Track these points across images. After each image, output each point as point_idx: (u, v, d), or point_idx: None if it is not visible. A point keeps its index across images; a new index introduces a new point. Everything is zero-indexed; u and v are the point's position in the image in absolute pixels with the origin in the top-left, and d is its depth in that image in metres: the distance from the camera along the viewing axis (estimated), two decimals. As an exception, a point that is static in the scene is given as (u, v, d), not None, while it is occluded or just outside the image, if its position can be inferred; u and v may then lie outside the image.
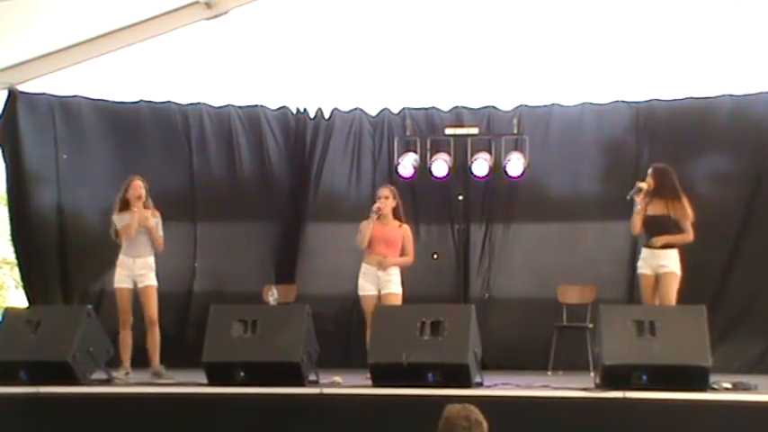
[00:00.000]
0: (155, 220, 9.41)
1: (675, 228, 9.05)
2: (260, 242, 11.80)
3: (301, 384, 8.11)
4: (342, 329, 11.29)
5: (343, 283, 11.62)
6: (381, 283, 9.22)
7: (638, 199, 9.06)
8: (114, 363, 9.20)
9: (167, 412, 7.85)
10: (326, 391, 8.03)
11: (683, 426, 7.31)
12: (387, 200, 9.30)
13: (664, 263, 8.99)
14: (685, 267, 9.25)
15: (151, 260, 9.38)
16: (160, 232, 9.40)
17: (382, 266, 9.21)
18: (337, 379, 8.60)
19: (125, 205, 9.38)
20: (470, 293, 11.38)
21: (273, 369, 8.09)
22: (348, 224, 11.76)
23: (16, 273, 13.25)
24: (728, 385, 7.88)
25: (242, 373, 8.08)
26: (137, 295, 9.35)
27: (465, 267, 11.47)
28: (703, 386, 7.60)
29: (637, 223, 9.10)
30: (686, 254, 9.35)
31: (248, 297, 10.52)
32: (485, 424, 4.47)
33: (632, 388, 7.52)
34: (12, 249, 12.19)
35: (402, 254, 9.33)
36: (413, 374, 7.84)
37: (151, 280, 9.35)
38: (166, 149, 11.88)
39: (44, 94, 11.70)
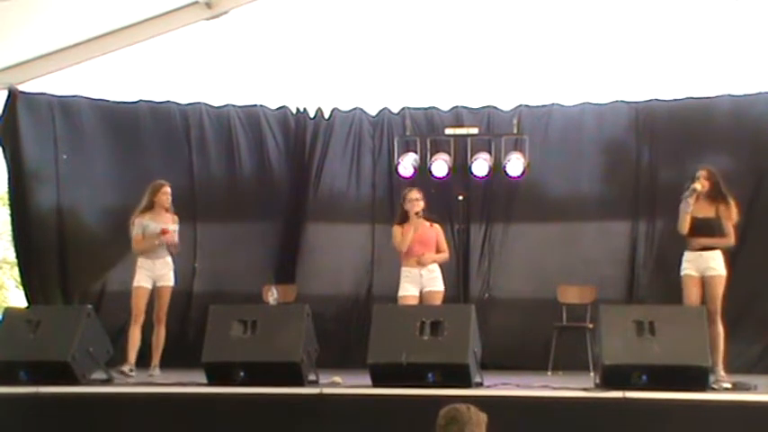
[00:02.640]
0: (173, 226, 9.73)
1: (720, 230, 9.01)
2: (260, 242, 11.79)
3: (301, 384, 8.11)
4: (342, 329, 11.29)
5: (342, 283, 11.67)
6: (424, 282, 9.34)
7: (691, 200, 8.99)
8: (118, 359, 9.29)
9: (167, 412, 7.85)
10: (326, 391, 8.03)
11: (682, 426, 7.31)
12: (418, 202, 9.44)
13: (712, 264, 8.92)
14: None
15: (170, 260, 9.70)
16: (175, 238, 9.70)
17: (422, 263, 9.34)
18: (337, 379, 8.60)
19: (150, 207, 9.70)
20: (470, 293, 11.37)
21: (273, 369, 8.09)
22: (348, 224, 11.83)
23: (16, 273, 13.26)
24: (728, 385, 7.88)
25: (242, 373, 8.08)
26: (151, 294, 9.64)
27: (465, 267, 11.48)
28: (703, 386, 7.60)
29: (686, 224, 9.02)
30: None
31: (248, 297, 10.53)
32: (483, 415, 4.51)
33: (632, 388, 7.52)
34: (12, 249, 12.18)
35: (438, 251, 9.48)
36: (412, 374, 7.84)
37: (170, 280, 9.67)
38: (166, 149, 11.88)
39: (44, 93, 11.71)
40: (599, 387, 7.78)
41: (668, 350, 7.70)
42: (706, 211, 9.02)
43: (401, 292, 9.38)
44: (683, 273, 9.11)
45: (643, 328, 7.84)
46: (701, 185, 8.98)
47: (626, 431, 7.43)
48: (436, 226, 9.54)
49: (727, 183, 10.85)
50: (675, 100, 11.36)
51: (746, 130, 11.08)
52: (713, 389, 7.73)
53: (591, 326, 10.03)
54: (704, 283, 8.94)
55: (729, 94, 11.23)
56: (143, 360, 9.74)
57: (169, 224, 9.74)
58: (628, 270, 11.18)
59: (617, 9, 11.33)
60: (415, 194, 9.50)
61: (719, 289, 8.90)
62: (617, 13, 11.33)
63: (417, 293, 9.33)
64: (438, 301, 9.31)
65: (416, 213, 9.39)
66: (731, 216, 9.01)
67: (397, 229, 9.50)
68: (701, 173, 9.08)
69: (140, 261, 9.69)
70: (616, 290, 11.04)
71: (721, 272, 8.93)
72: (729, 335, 10.31)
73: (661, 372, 7.59)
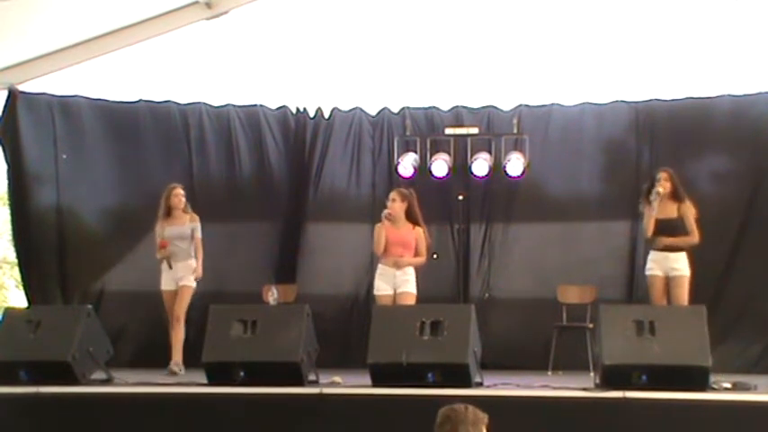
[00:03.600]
0: (191, 225, 9.94)
1: (683, 230, 9.15)
2: (260, 242, 11.79)
3: (301, 384, 8.10)
4: (342, 329, 11.29)
5: (342, 283, 11.67)
6: (397, 282, 9.32)
7: (656, 204, 9.12)
8: (118, 359, 9.36)
9: (167, 412, 7.85)
10: (326, 390, 8.02)
11: (682, 426, 7.30)
12: (394, 203, 9.42)
13: (676, 265, 9.12)
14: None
15: (192, 262, 9.89)
16: (198, 234, 9.93)
17: (397, 266, 9.32)
18: (337, 379, 8.60)
19: (168, 213, 9.92)
20: (470, 293, 11.37)
21: (273, 369, 8.08)
22: (348, 224, 11.82)
23: (16, 272, 13.26)
24: (728, 385, 7.88)
25: (242, 373, 8.07)
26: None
27: (465, 267, 11.47)
28: (703, 386, 7.60)
29: (651, 226, 9.16)
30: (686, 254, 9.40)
31: (248, 297, 10.52)
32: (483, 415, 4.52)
33: (632, 388, 7.51)
34: (12, 249, 12.18)
35: (416, 254, 9.44)
36: (412, 374, 7.84)
37: (189, 281, 9.87)
38: (166, 149, 11.88)
39: (44, 93, 11.71)
40: (599, 387, 7.77)
41: (668, 350, 7.69)
42: (668, 211, 9.23)
43: (376, 291, 9.42)
44: (648, 273, 9.32)
45: (643, 327, 7.84)
46: (663, 188, 9.13)
47: (626, 431, 7.43)
48: (418, 229, 9.46)
49: (727, 183, 10.98)
50: (675, 100, 11.36)
51: (746, 130, 11.09)
52: (713, 389, 7.72)
53: (591, 326, 10.03)
54: (669, 283, 9.07)
55: (729, 94, 11.23)
56: (143, 363, 9.79)
57: (186, 225, 9.90)
58: (628, 270, 11.18)
59: (617, 9, 11.32)
60: (391, 195, 9.54)
61: (684, 289, 9.11)
62: (617, 13, 11.33)
63: (392, 293, 9.33)
64: (410, 302, 9.27)
65: (385, 216, 9.38)
66: (691, 214, 9.22)
67: (376, 229, 9.51)
68: (662, 174, 9.34)
69: (164, 264, 9.86)
70: (616, 290, 11.04)
71: (685, 272, 9.14)
72: (729, 335, 10.39)
73: (661, 372, 7.58)
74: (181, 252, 9.85)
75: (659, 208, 9.21)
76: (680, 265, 9.19)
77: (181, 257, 9.85)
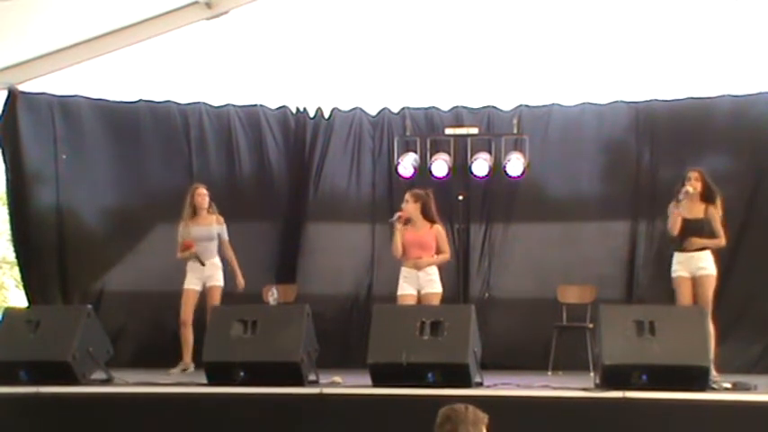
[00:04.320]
0: (219, 227, 10.00)
1: (709, 231, 9.09)
2: (260, 242, 11.78)
3: (301, 384, 8.10)
4: (342, 329, 11.29)
5: (343, 283, 11.67)
6: (421, 283, 9.33)
7: (685, 202, 9.05)
8: (118, 359, 9.35)
9: (167, 412, 7.84)
10: (326, 390, 8.02)
11: (682, 426, 7.30)
12: (406, 204, 9.42)
13: (702, 264, 9.03)
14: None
15: (218, 260, 9.95)
16: (226, 237, 10.00)
17: (418, 267, 9.32)
18: (337, 379, 8.60)
19: (193, 212, 9.94)
20: (470, 293, 11.37)
21: (273, 369, 8.08)
22: (348, 224, 11.83)
23: (16, 272, 13.26)
24: (728, 385, 7.88)
25: (242, 373, 8.07)
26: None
27: (465, 267, 11.47)
28: (703, 386, 7.60)
29: (677, 225, 9.08)
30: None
31: (248, 297, 10.51)
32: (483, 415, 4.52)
33: (632, 388, 7.50)
34: (12, 249, 12.18)
35: (437, 252, 9.42)
36: (412, 374, 7.83)
37: (219, 280, 9.93)
38: (166, 149, 11.88)
39: (44, 93, 11.70)
40: (599, 387, 7.76)
41: (668, 350, 7.69)
42: (696, 212, 9.14)
43: (400, 291, 9.40)
44: (674, 275, 9.20)
45: (643, 327, 7.83)
46: (693, 187, 9.05)
47: (626, 431, 7.43)
48: (437, 227, 9.46)
49: (727, 182, 10.96)
50: (676, 100, 11.36)
51: (746, 130, 11.09)
52: (713, 389, 7.72)
53: (591, 326, 10.04)
54: (695, 283, 9.02)
55: (729, 95, 11.24)
56: (144, 363, 9.79)
57: (213, 226, 9.94)
58: (628, 270, 11.18)
59: (617, 9, 11.32)
60: (405, 197, 9.52)
61: (711, 289, 9.03)
62: (617, 12, 11.33)
63: (415, 293, 9.35)
64: (435, 302, 9.29)
65: (398, 220, 9.37)
66: (719, 216, 9.13)
67: (395, 234, 9.49)
68: (693, 174, 9.19)
69: (189, 264, 9.87)
70: (616, 289, 11.04)
71: (712, 272, 9.05)
72: (729, 335, 10.38)
73: (661, 372, 7.58)
74: (207, 252, 9.89)
75: (686, 207, 9.10)
76: (706, 263, 9.07)
77: (207, 257, 9.88)
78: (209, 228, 9.94)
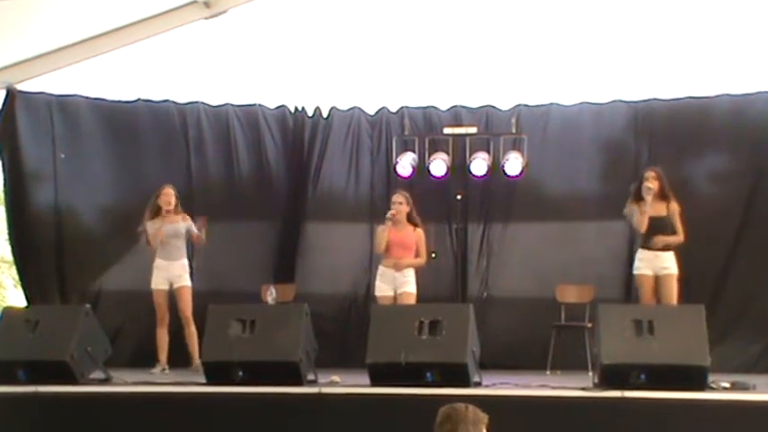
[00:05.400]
0: (184, 224, 9.98)
1: (672, 229, 9.22)
2: (258, 241, 11.79)
3: (300, 384, 8.10)
4: (340, 329, 11.29)
5: (341, 283, 11.67)
6: (397, 283, 9.57)
7: (650, 199, 9.18)
8: (117, 359, 9.39)
9: (166, 412, 7.85)
10: (325, 390, 8.03)
11: (681, 425, 7.31)
12: (401, 206, 9.68)
13: (666, 264, 9.19)
14: (683, 266, 9.33)
15: (185, 262, 10.00)
16: (193, 229, 9.96)
17: (397, 267, 9.57)
18: (336, 378, 8.61)
19: (157, 212, 9.93)
20: (469, 293, 11.36)
21: (272, 368, 8.09)
22: (346, 223, 11.83)
23: (14, 272, 13.24)
24: (727, 385, 7.88)
25: (241, 373, 8.07)
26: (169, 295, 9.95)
27: (463, 267, 11.47)
28: (702, 386, 7.60)
29: (645, 222, 9.22)
30: (685, 253, 9.41)
31: (247, 297, 10.52)
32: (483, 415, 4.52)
33: (631, 387, 7.52)
34: (10, 248, 12.17)
35: (416, 255, 9.70)
36: (411, 374, 7.84)
37: (186, 281, 9.94)
38: (164, 148, 11.88)
39: (42, 93, 11.69)
40: (598, 386, 7.77)
41: (667, 349, 7.70)
42: (658, 210, 9.33)
43: (377, 292, 9.68)
44: (636, 272, 9.38)
45: (642, 327, 7.84)
46: (653, 185, 9.18)
47: (625, 431, 7.43)
48: (419, 230, 9.74)
49: (726, 182, 10.99)
50: (674, 99, 11.35)
51: (745, 129, 11.08)
52: (712, 388, 7.72)
53: (590, 325, 10.03)
54: (658, 282, 9.12)
55: (728, 94, 11.23)
56: (145, 363, 9.80)
57: (179, 224, 9.95)
58: (626, 269, 11.13)
59: (616, 9, 11.32)
60: (395, 198, 9.79)
61: (675, 288, 9.19)
62: (616, 12, 11.32)
63: (392, 293, 9.58)
64: (411, 302, 9.50)
65: (389, 218, 9.60)
66: (678, 213, 9.32)
67: (378, 230, 9.81)
68: (650, 173, 9.42)
69: (157, 262, 9.91)
70: (615, 289, 11.02)
71: (674, 271, 9.26)
72: (728, 334, 10.39)
73: (660, 371, 7.59)
74: (175, 251, 9.90)
75: (649, 206, 9.25)
76: (669, 263, 9.28)
77: (175, 256, 9.90)
78: (177, 225, 9.94)
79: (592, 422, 7.48)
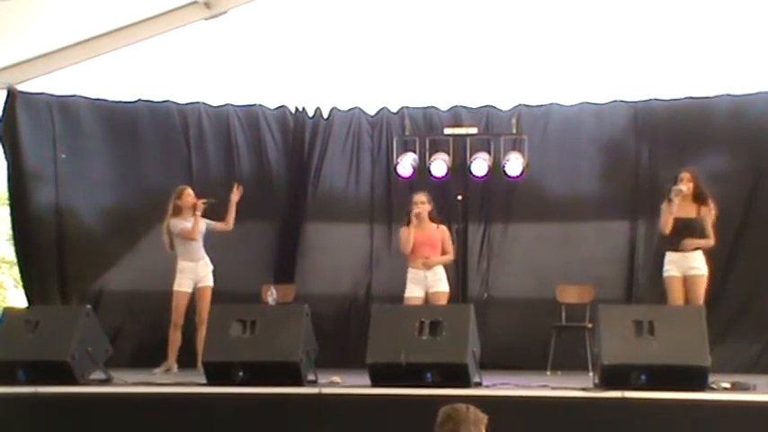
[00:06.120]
0: (204, 222, 9.99)
1: (701, 231, 9.14)
2: (259, 242, 11.79)
3: (300, 384, 8.10)
4: (341, 329, 11.29)
5: (341, 283, 11.67)
6: (429, 283, 9.58)
7: (677, 201, 9.12)
8: (117, 359, 9.38)
9: (166, 412, 7.84)
10: (325, 390, 8.02)
11: (681, 426, 7.31)
12: (424, 205, 9.69)
13: (695, 265, 9.14)
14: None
15: (208, 260, 9.97)
16: (211, 223, 10.04)
17: (427, 266, 9.57)
18: (336, 379, 8.60)
19: (177, 212, 9.92)
20: (469, 293, 11.34)
21: (272, 369, 8.08)
22: (347, 224, 11.83)
23: (15, 272, 13.26)
24: (727, 385, 7.88)
25: (241, 373, 8.07)
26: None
27: (464, 267, 11.44)
28: (702, 386, 7.60)
29: (669, 223, 9.16)
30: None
31: (247, 297, 10.52)
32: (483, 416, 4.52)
33: (631, 388, 7.51)
34: (11, 249, 12.18)
35: (443, 253, 9.71)
36: (411, 374, 7.84)
37: (210, 281, 9.94)
38: (165, 149, 11.88)
39: (43, 93, 11.70)
40: (598, 387, 7.77)
41: (667, 350, 7.69)
42: (687, 211, 9.23)
43: (407, 294, 9.60)
44: (665, 274, 9.28)
45: (642, 327, 7.83)
46: (685, 187, 9.12)
47: (625, 431, 7.43)
48: (442, 227, 9.79)
49: (726, 182, 10.97)
50: (674, 99, 11.36)
51: (745, 129, 11.09)
52: (712, 389, 7.72)
53: (590, 326, 10.04)
54: (687, 282, 9.08)
55: (728, 94, 11.23)
56: (146, 363, 9.81)
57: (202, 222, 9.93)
58: (627, 270, 11.18)
59: (616, 9, 11.32)
60: (418, 198, 9.75)
61: (702, 289, 9.13)
62: (616, 12, 11.33)
63: (422, 295, 9.55)
64: (443, 301, 9.53)
65: (415, 215, 9.60)
66: (711, 217, 9.22)
67: (403, 231, 9.75)
68: (685, 174, 9.32)
69: (182, 264, 9.88)
70: (615, 289, 11.04)
71: (704, 272, 9.17)
72: (728, 334, 10.40)
73: (660, 371, 7.59)
74: (199, 250, 9.91)
75: (679, 207, 9.18)
76: (698, 263, 9.18)
77: (198, 256, 9.91)
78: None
79: (592, 423, 7.48)
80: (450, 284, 11.18)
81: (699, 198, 9.26)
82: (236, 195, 10.02)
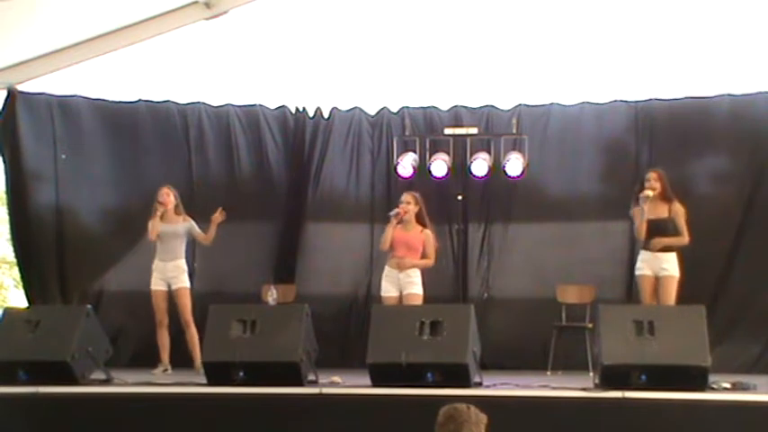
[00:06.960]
0: (184, 225, 9.90)
1: (674, 230, 9.21)
2: (259, 242, 11.79)
3: (300, 384, 8.10)
4: (341, 329, 11.30)
5: (342, 283, 11.67)
6: (402, 284, 9.43)
7: (646, 207, 9.18)
8: (117, 359, 9.42)
9: (167, 412, 7.85)
10: (325, 390, 8.02)
11: (682, 426, 7.31)
12: (408, 205, 9.54)
13: (666, 266, 9.19)
14: (684, 267, 9.33)
15: (182, 262, 9.88)
16: (196, 230, 9.93)
17: (399, 267, 9.44)
18: (336, 379, 8.61)
19: (155, 211, 9.87)
20: (469, 293, 11.37)
21: (272, 369, 8.08)
22: (347, 224, 11.83)
23: (16, 272, 13.25)
24: (727, 385, 7.88)
25: (241, 373, 8.07)
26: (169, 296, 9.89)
27: (464, 267, 11.47)
28: (702, 386, 7.60)
29: (643, 229, 9.23)
30: (685, 253, 9.40)
31: (247, 297, 10.53)
32: (483, 416, 4.51)
33: (631, 388, 7.51)
34: (11, 249, 12.18)
35: (423, 257, 9.52)
36: (412, 374, 7.84)
37: (184, 282, 9.84)
38: (165, 149, 11.88)
39: (43, 93, 11.70)
40: (598, 387, 7.77)
41: (667, 350, 7.69)
42: (659, 212, 9.33)
43: (383, 293, 9.56)
44: (637, 272, 9.41)
45: (642, 327, 7.84)
46: (652, 189, 9.19)
47: (625, 431, 7.43)
48: (427, 231, 9.56)
49: (726, 182, 10.99)
50: (675, 99, 11.36)
51: (745, 129, 11.09)
52: (713, 389, 7.72)
53: (590, 325, 10.05)
54: (657, 283, 9.13)
55: (728, 94, 11.23)
56: (145, 363, 9.80)
57: (179, 224, 9.89)
58: (627, 270, 11.14)
59: (616, 9, 11.32)
60: (405, 198, 9.63)
61: (673, 289, 9.22)
62: (616, 12, 11.33)
63: (397, 294, 9.46)
64: (417, 303, 9.36)
65: (395, 216, 9.49)
66: (682, 214, 9.30)
67: (386, 228, 9.62)
68: (652, 174, 9.42)
69: (155, 263, 9.86)
70: (615, 290, 11.03)
71: (674, 273, 9.24)
72: (728, 334, 10.40)
73: (660, 371, 7.59)
74: (171, 251, 9.83)
75: (649, 208, 9.25)
76: (669, 265, 9.25)
77: (170, 257, 9.83)
78: (176, 226, 9.90)
79: (592, 423, 7.48)
80: (450, 285, 11.26)
81: (667, 197, 9.36)
82: (218, 217, 9.86)
